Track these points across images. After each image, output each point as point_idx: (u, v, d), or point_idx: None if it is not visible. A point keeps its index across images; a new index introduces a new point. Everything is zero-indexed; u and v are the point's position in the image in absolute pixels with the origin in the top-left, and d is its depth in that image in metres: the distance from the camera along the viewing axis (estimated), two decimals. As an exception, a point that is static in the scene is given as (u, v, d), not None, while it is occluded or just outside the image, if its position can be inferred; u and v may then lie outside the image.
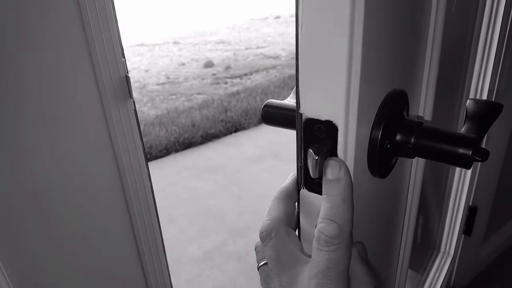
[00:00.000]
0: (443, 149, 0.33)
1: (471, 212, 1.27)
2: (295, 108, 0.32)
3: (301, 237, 0.37)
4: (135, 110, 0.57)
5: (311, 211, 0.35)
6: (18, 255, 0.51)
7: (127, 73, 0.54)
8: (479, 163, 1.16)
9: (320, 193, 0.33)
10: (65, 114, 0.50)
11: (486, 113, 0.39)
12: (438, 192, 1.15)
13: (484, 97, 0.95)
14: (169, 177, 2.96)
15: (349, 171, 0.30)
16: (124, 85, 0.53)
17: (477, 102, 0.41)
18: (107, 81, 0.51)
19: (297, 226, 0.37)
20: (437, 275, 1.20)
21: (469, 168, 0.34)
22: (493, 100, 1.00)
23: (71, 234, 0.58)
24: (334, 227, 0.28)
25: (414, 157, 0.36)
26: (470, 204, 1.25)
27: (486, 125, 0.39)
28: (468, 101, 0.41)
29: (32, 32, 0.45)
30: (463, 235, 1.31)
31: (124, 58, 0.53)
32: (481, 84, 0.92)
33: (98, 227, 0.61)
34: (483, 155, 0.33)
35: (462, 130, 0.38)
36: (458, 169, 1.15)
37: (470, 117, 0.39)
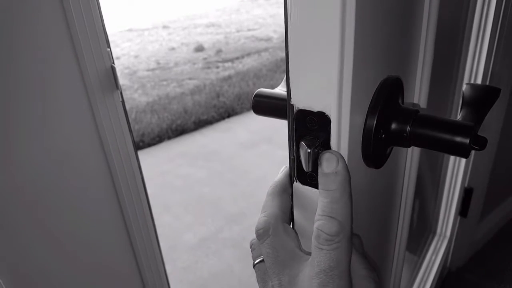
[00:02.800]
0: (440, 137, 0.32)
1: (466, 194, 1.28)
2: (284, 97, 0.31)
3: (297, 231, 0.36)
4: (122, 101, 0.55)
5: (305, 205, 0.34)
6: (7, 247, 0.50)
7: (113, 63, 0.52)
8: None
9: (313, 186, 0.32)
10: (50, 108, 0.48)
11: (483, 99, 0.38)
12: (434, 175, 1.15)
13: (479, 80, 0.94)
14: (163, 165, 2.94)
15: (346, 164, 0.29)
16: (110, 76, 0.51)
17: (474, 87, 0.39)
18: (92, 73, 0.49)
19: (291, 220, 0.36)
20: (433, 257, 1.22)
21: (466, 157, 0.33)
22: (487, 83, 0.99)
23: (61, 226, 0.56)
24: (334, 224, 0.27)
25: (410, 147, 0.35)
26: (466, 185, 1.26)
27: (484, 111, 0.37)
28: (465, 86, 0.40)
29: (8, 21, 0.42)
30: (459, 217, 1.33)
31: (110, 48, 0.51)
32: (475, 67, 0.91)
33: (89, 219, 0.60)
34: (481, 143, 0.32)
35: (459, 116, 0.37)
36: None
37: (467, 103, 0.38)
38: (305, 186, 0.33)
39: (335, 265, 0.27)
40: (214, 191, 2.57)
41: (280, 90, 0.43)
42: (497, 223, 1.72)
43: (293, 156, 0.32)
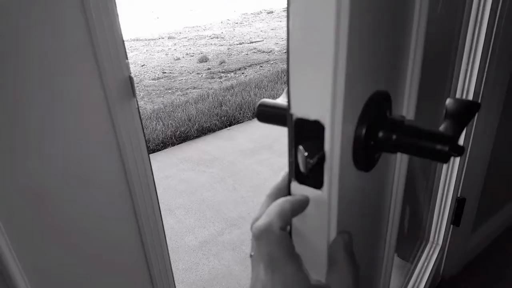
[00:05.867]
0: (422, 145, 0.37)
1: (459, 203, 1.32)
2: (285, 107, 0.35)
3: (292, 230, 0.40)
4: (137, 108, 0.60)
5: (301, 202, 0.38)
6: (30, 247, 0.54)
7: (130, 74, 0.57)
8: (467, 157, 1.21)
9: (308, 185, 0.36)
10: (73, 113, 0.53)
11: (464, 112, 0.42)
12: (426, 183, 1.19)
13: (470, 96, 0.98)
14: (166, 170, 2.99)
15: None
16: (128, 85, 0.56)
17: (456, 101, 0.44)
18: (112, 82, 0.54)
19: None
20: (426, 263, 1.25)
21: (446, 162, 0.37)
22: (479, 99, 1.04)
23: (79, 226, 0.61)
24: None
25: (396, 153, 0.39)
26: (458, 195, 1.29)
27: (464, 123, 0.42)
28: (448, 100, 0.44)
29: (40, 36, 0.48)
30: (451, 226, 1.36)
31: (127, 60, 0.56)
32: (467, 85, 0.95)
33: (104, 217, 0.64)
34: (459, 151, 0.37)
35: (441, 127, 0.41)
36: (446, 162, 1.19)
37: (449, 115, 0.42)
38: (302, 185, 0.37)
39: None
40: (215, 196, 2.61)
41: (281, 100, 0.47)
42: (491, 233, 1.74)
43: (292, 159, 0.37)
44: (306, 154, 0.33)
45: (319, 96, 0.32)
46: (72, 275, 0.61)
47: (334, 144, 0.33)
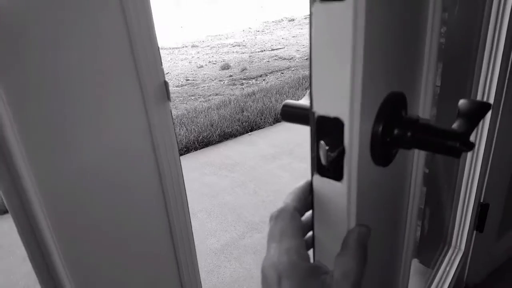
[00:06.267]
0: (435, 141, 0.40)
1: (482, 209, 1.30)
2: (307, 107, 0.39)
3: (314, 217, 0.44)
4: (171, 111, 0.65)
5: (322, 192, 0.42)
6: (72, 244, 0.60)
7: (165, 79, 0.62)
8: (490, 162, 1.20)
9: (329, 177, 0.40)
10: (115, 114, 0.59)
11: (475, 111, 0.45)
12: (448, 187, 1.19)
13: (491, 100, 0.99)
14: (189, 174, 3.06)
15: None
16: (163, 89, 0.61)
17: (468, 101, 0.47)
18: (149, 86, 0.59)
19: (312, 207, 0.44)
20: (448, 268, 1.24)
21: (458, 157, 0.40)
22: (502, 102, 1.04)
23: (115, 224, 0.65)
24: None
25: (411, 149, 0.43)
26: (481, 200, 1.28)
27: (475, 122, 0.45)
28: (460, 101, 0.47)
29: (88, 45, 0.54)
30: (475, 231, 1.34)
31: (162, 66, 0.61)
32: (488, 88, 0.96)
33: (137, 215, 0.69)
34: (469, 146, 0.40)
35: (454, 125, 0.44)
36: (467, 166, 1.19)
37: (461, 115, 0.45)
38: (323, 178, 0.41)
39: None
40: (237, 200, 2.66)
41: (304, 102, 0.51)
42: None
43: (314, 153, 0.40)
44: (327, 148, 0.37)
45: (338, 96, 0.35)
46: (107, 270, 0.67)
47: (353, 139, 0.37)
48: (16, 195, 0.52)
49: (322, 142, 0.37)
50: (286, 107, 0.49)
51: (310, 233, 0.46)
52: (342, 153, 0.37)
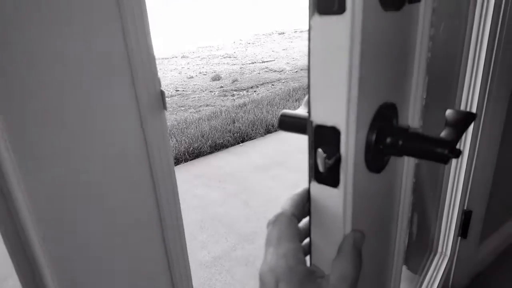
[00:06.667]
0: (425, 149, 0.42)
1: (466, 216, 1.34)
2: (304, 117, 0.41)
3: (311, 223, 0.45)
4: (166, 121, 0.67)
5: (319, 198, 0.43)
6: (62, 251, 0.59)
7: (161, 88, 0.64)
8: (473, 170, 1.24)
9: (326, 184, 0.42)
10: (110, 122, 0.60)
11: (461, 121, 0.48)
12: (434, 195, 1.22)
13: (474, 110, 1.03)
14: (180, 186, 3.01)
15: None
16: (159, 98, 0.63)
17: (455, 112, 0.49)
18: (145, 95, 0.61)
19: (308, 213, 0.46)
20: (434, 274, 1.27)
21: (446, 164, 0.43)
22: (483, 111, 1.08)
23: (106, 235, 0.65)
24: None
25: (402, 156, 0.45)
26: (465, 208, 1.32)
27: (462, 130, 0.47)
28: (447, 111, 0.50)
29: (86, 52, 0.55)
30: (459, 238, 1.38)
31: (158, 75, 0.63)
32: (470, 100, 1.01)
33: (132, 230, 0.69)
34: (456, 154, 0.42)
35: (442, 134, 0.47)
36: (451, 174, 1.23)
37: (448, 124, 0.48)
38: (320, 184, 0.42)
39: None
40: (228, 211, 2.65)
41: (300, 111, 0.53)
42: (498, 245, 1.74)
43: (312, 160, 0.42)
44: (324, 155, 0.39)
45: (335, 106, 0.37)
46: (97, 283, 0.66)
47: (349, 147, 0.39)
48: (3, 200, 0.53)
49: (319, 150, 0.39)
50: (284, 117, 0.51)
51: (306, 240, 0.48)
52: (338, 160, 0.39)
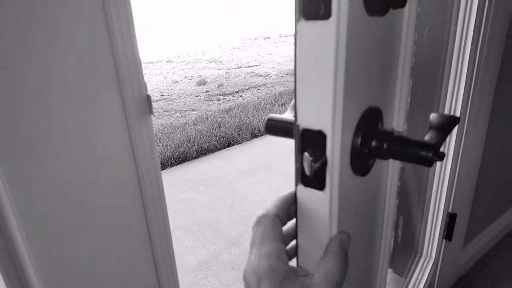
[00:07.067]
0: (409, 152, 0.43)
1: (450, 218, 1.37)
2: (291, 121, 0.41)
3: (298, 226, 0.45)
4: (152, 125, 0.66)
5: (306, 201, 0.44)
6: (47, 252, 0.58)
7: (148, 92, 0.63)
8: (457, 174, 1.27)
9: (313, 187, 0.42)
10: (96, 127, 0.59)
11: (445, 124, 0.49)
12: (419, 198, 1.24)
13: (458, 114, 1.06)
14: (166, 190, 2.98)
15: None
16: (145, 103, 0.62)
17: (439, 115, 0.50)
18: (131, 100, 0.60)
19: (294, 216, 0.46)
20: (420, 276, 1.29)
21: (430, 166, 0.43)
22: (467, 115, 1.11)
23: (94, 238, 0.65)
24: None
25: (387, 159, 0.45)
26: (450, 211, 1.35)
27: (445, 133, 0.48)
28: (431, 114, 0.51)
29: (71, 56, 0.54)
30: (444, 240, 1.40)
31: (144, 79, 0.63)
32: (454, 104, 1.03)
33: (118, 234, 0.68)
34: (440, 156, 0.43)
35: (426, 137, 0.47)
36: (436, 178, 1.25)
37: (432, 127, 0.49)
38: (306, 188, 0.43)
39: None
40: (215, 215, 2.64)
41: (287, 115, 0.54)
42: (482, 248, 1.78)
43: (299, 164, 0.42)
44: (311, 159, 0.39)
45: (321, 110, 0.38)
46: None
47: (335, 151, 0.39)
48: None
49: (306, 153, 0.39)
50: (271, 121, 0.51)
51: (293, 243, 0.48)
52: (324, 163, 0.40)
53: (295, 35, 0.36)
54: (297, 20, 0.36)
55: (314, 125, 0.39)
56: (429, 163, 0.42)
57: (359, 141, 0.42)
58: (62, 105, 0.56)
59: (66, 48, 0.55)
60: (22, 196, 0.55)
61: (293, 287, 0.37)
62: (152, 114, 0.63)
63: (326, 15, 0.34)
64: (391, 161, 0.54)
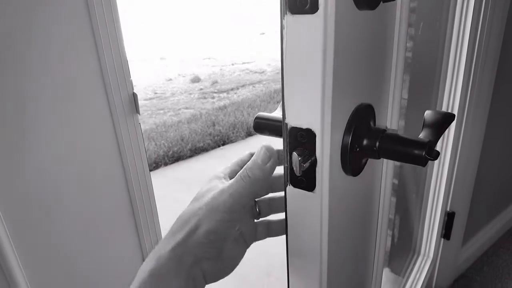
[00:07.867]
0: (402, 151, 0.41)
1: (449, 217, 1.36)
2: (280, 119, 0.40)
3: (288, 227, 0.44)
4: (139, 124, 0.64)
5: (295, 202, 0.42)
6: (33, 252, 0.57)
7: (134, 91, 0.61)
8: (455, 172, 1.26)
9: (303, 188, 0.40)
10: (82, 126, 0.57)
11: (440, 121, 0.47)
12: (416, 197, 1.23)
13: (455, 111, 1.05)
14: (159, 190, 2.97)
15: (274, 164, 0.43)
16: (132, 102, 0.60)
17: (433, 112, 0.49)
18: (117, 98, 0.58)
19: (285, 217, 0.44)
20: (417, 276, 1.28)
21: (423, 166, 0.42)
22: (465, 113, 1.10)
23: (81, 237, 0.63)
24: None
25: (379, 158, 0.44)
26: (448, 209, 1.34)
27: (440, 131, 0.47)
28: (426, 112, 0.49)
29: (55, 56, 0.52)
30: (442, 239, 1.40)
31: (131, 78, 0.61)
32: (452, 101, 1.02)
33: (105, 231, 0.67)
34: (434, 155, 0.42)
35: (420, 135, 0.46)
36: (434, 176, 1.24)
37: (427, 125, 0.47)
38: (296, 188, 0.41)
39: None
40: (209, 216, 2.62)
41: (276, 114, 0.52)
42: (480, 246, 1.78)
43: (287, 164, 0.41)
44: (299, 159, 0.37)
45: (310, 107, 0.36)
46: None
47: (325, 150, 0.38)
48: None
49: (294, 153, 0.38)
50: (259, 119, 0.50)
51: (281, 216, 0.48)
52: (314, 163, 0.38)
53: (281, 30, 0.35)
54: (283, 14, 0.34)
55: (303, 123, 0.37)
56: (423, 162, 0.41)
57: (350, 139, 0.40)
58: (45, 106, 0.54)
59: (49, 48, 0.53)
60: (7, 196, 0.53)
61: (212, 183, 0.46)
62: (139, 113, 0.61)
63: (313, 9, 0.32)
64: (384, 160, 0.53)
